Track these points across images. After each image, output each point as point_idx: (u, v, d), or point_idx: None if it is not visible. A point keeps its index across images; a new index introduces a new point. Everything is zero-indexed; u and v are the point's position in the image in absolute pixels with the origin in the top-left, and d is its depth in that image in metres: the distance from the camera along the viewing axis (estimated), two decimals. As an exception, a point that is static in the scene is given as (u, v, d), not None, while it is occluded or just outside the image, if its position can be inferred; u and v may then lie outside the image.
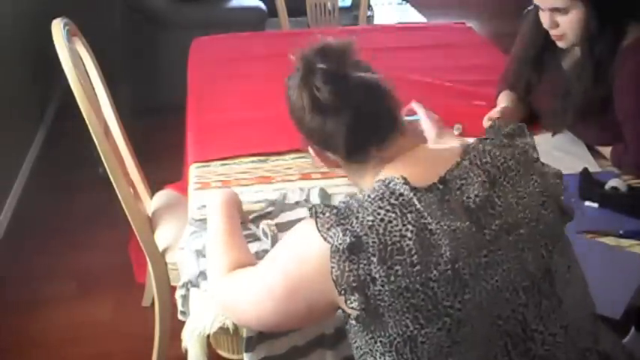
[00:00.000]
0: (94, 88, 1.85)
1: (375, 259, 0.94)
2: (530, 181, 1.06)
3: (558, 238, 1.06)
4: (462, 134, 1.86)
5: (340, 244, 0.95)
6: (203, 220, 1.44)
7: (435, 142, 1.42)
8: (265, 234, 1.40)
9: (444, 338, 0.96)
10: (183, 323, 1.32)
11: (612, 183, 1.58)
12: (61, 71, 1.62)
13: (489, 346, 0.99)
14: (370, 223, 0.95)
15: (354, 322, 0.99)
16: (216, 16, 3.75)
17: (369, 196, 0.99)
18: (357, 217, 0.96)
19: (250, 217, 1.48)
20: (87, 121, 1.65)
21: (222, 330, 1.24)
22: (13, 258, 2.68)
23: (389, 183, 0.99)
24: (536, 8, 1.71)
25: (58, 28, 1.68)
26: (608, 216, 1.52)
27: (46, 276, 2.56)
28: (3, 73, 3.08)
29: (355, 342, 1.03)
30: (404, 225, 0.95)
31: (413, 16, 4.78)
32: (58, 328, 2.31)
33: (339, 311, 1.04)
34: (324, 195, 1.56)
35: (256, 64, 2.47)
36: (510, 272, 0.99)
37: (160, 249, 1.85)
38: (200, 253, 1.37)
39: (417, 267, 0.94)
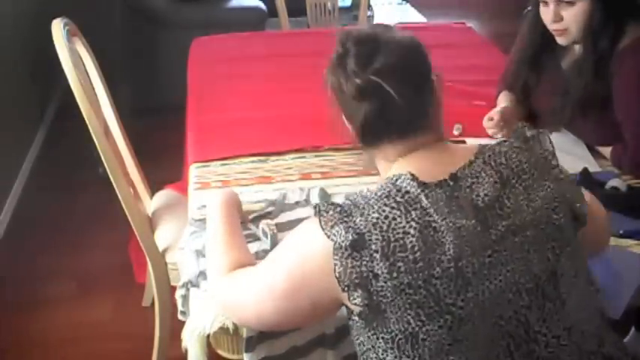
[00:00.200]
0: (94, 88, 1.84)
1: (377, 256, 0.95)
2: (544, 185, 1.05)
3: (567, 242, 1.05)
4: (462, 134, 1.86)
5: (343, 241, 0.96)
6: (203, 220, 1.44)
7: None
8: (265, 234, 1.40)
9: (445, 336, 0.96)
10: (183, 323, 1.32)
11: (612, 183, 1.58)
12: (61, 71, 1.62)
13: (491, 347, 0.99)
14: (375, 220, 0.96)
15: (357, 318, 1.00)
16: (216, 16, 3.75)
17: (375, 194, 1.00)
18: (362, 214, 0.97)
19: (250, 217, 1.48)
20: (87, 121, 1.64)
21: (222, 330, 1.24)
22: (13, 258, 2.68)
23: (396, 180, 1.00)
24: (536, 8, 1.71)
25: (58, 28, 1.68)
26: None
27: (46, 276, 2.55)
28: (3, 73, 3.08)
29: (358, 338, 1.04)
30: (407, 222, 0.96)
31: (413, 16, 4.78)
32: (58, 328, 2.31)
33: (341, 309, 1.04)
34: (324, 195, 1.56)
35: (256, 64, 2.47)
36: (515, 273, 0.99)
37: (160, 249, 1.85)
38: (200, 253, 1.37)
39: (420, 264, 0.94)
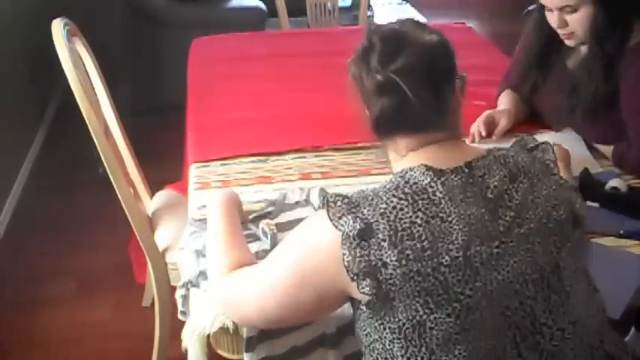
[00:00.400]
0: (94, 88, 1.85)
1: (385, 244, 0.96)
2: (546, 185, 1.08)
3: (567, 238, 1.07)
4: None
5: (351, 230, 0.97)
6: (203, 220, 1.44)
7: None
8: (265, 234, 1.40)
9: (452, 324, 0.97)
10: (183, 323, 1.32)
11: (613, 183, 1.58)
12: (61, 71, 1.62)
13: (498, 337, 1.00)
14: (382, 210, 0.98)
15: (364, 307, 1.01)
16: (216, 16, 3.75)
17: (384, 187, 1.02)
18: (370, 205, 0.99)
19: (250, 217, 1.48)
20: (87, 121, 1.65)
21: (222, 330, 1.24)
22: (13, 258, 2.68)
23: (405, 174, 1.02)
24: (539, 8, 1.71)
25: (58, 27, 1.68)
26: (608, 216, 1.52)
27: (47, 276, 2.56)
28: (3, 73, 3.08)
29: (365, 329, 1.04)
30: (414, 212, 0.98)
31: (413, 16, 4.77)
32: (58, 328, 2.31)
33: (343, 308, 1.05)
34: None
35: (256, 64, 2.47)
36: (521, 264, 1.01)
37: (160, 249, 1.85)
38: (200, 253, 1.37)
39: (428, 252, 0.96)
